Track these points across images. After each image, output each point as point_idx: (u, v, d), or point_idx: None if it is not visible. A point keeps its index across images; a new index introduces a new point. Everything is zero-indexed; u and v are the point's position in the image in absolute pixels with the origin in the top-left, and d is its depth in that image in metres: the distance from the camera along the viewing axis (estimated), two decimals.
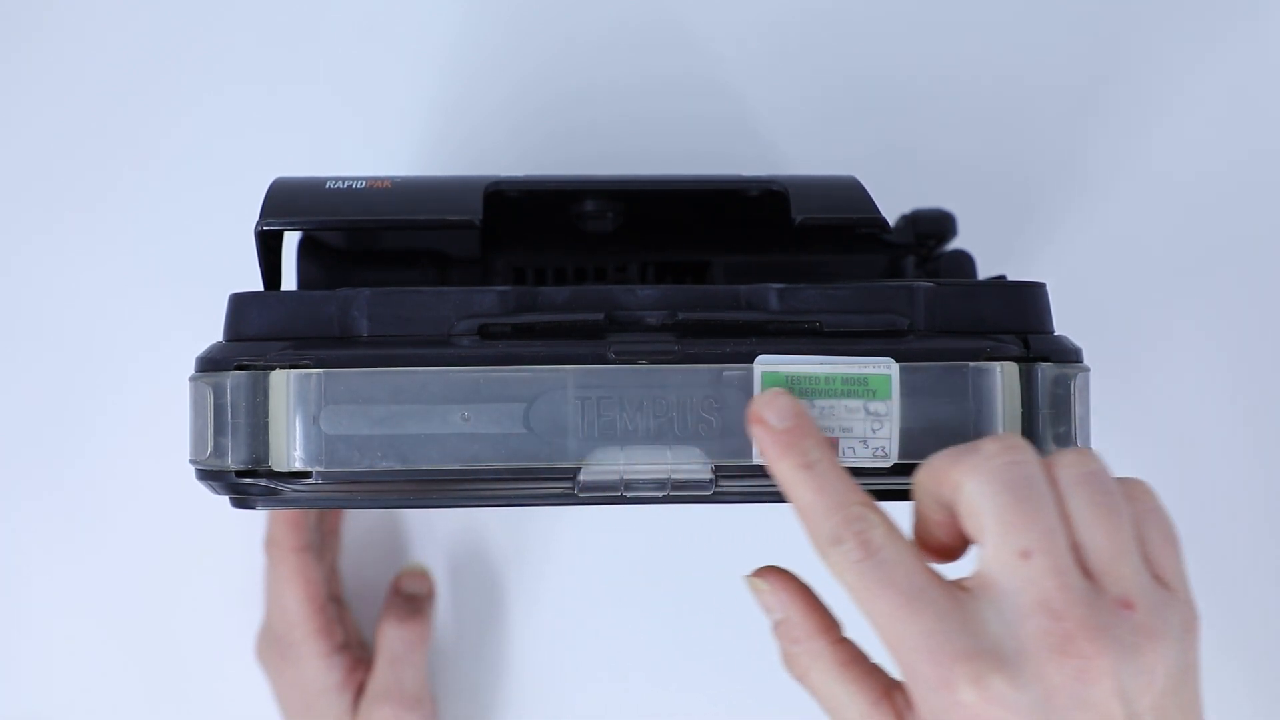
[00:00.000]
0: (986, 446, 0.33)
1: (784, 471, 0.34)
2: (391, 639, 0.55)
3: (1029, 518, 0.32)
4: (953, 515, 0.34)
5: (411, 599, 0.57)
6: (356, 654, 0.55)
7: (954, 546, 0.35)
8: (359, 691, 0.54)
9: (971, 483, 0.33)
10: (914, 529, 0.36)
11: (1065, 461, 0.33)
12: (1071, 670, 0.31)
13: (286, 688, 0.55)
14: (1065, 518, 0.33)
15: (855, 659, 0.36)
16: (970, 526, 0.33)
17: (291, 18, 0.59)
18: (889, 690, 0.35)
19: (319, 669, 0.53)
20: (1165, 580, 0.33)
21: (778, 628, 0.37)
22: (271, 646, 0.55)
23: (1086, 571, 0.32)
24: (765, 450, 0.35)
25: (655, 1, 0.60)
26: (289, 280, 0.49)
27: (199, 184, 0.59)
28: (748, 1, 0.60)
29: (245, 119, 0.59)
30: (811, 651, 0.36)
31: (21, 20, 0.59)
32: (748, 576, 0.38)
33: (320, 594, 0.54)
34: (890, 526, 0.34)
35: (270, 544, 0.54)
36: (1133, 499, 0.34)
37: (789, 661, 0.37)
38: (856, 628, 0.36)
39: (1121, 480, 0.34)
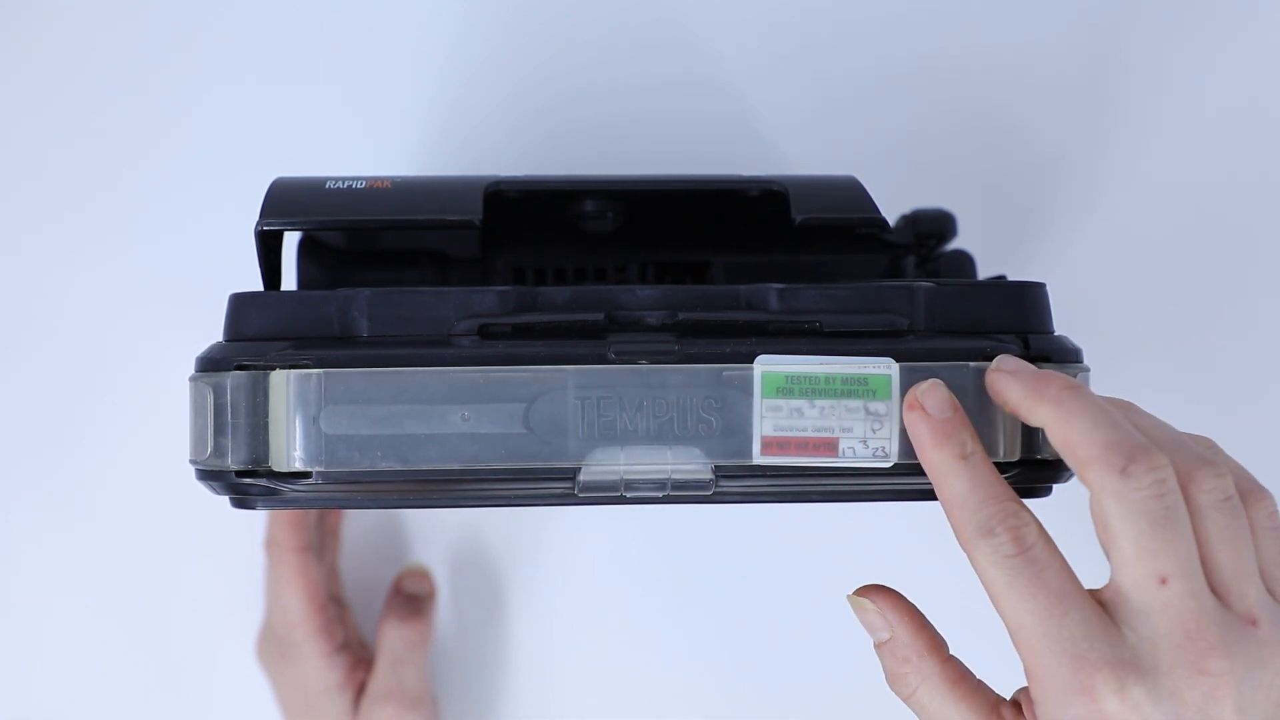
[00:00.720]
0: (1134, 470, 0.32)
1: (940, 461, 0.35)
2: (393, 639, 0.55)
3: (1168, 546, 0.32)
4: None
5: (412, 599, 0.57)
6: (357, 654, 0.55)
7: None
8: (359, 691, 0.54)
9: (1117, 509, 0.33)
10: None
11: (1205, 486, 0.34)
12: (1204, 687, 0.32)
13: (287, 688, 0.55)
14: (1198, 538, 0.33)
15: (963, 676, 0.36)
16: (1103, 536, 0.34)
17: (292, 17, 0.59)
18: (996, 706, 0.35)
19: (320, 669, 0.53)
20: (1274, 593, 0.34)
21: (884, 647, 0.37)
22: (272, 646, 0.55)
23: (1214, 589, 0.33)
24: (921, 438, 0.35)
25: (655, 1, 0.60)
26: (289, 280, 0.49)
27: (199, 184, 0.59)
28: (748, 1, 0.60)
29: (245, 118, 0.59)
30: (921, 671, 0.36)
31: (21, 18, 0.59)
32: (851, 596, 0.38)
33: (320, 594, 0.54)
34: (1041, 527, 0.34)
35: (270, 544, 0.54)
36: (1252, 506, 0.35)
37: (895, 681, 0.37)
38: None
39: (1249, 492, 0.35)
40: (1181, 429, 0.59)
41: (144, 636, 0.59)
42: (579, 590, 0.60)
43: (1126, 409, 0.35)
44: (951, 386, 0.36)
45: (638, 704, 0.60)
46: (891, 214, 0.48)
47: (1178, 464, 0.34)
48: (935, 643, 0.37)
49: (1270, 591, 0.34)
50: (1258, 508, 0.35)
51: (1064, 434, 0.33)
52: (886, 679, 0.37)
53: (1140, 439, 0.33)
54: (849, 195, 0.42)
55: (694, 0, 0.60)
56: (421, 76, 0.59)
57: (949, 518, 0.35)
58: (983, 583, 0.34)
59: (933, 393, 0.35)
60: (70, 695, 0.59)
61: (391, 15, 0.59)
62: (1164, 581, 0.32)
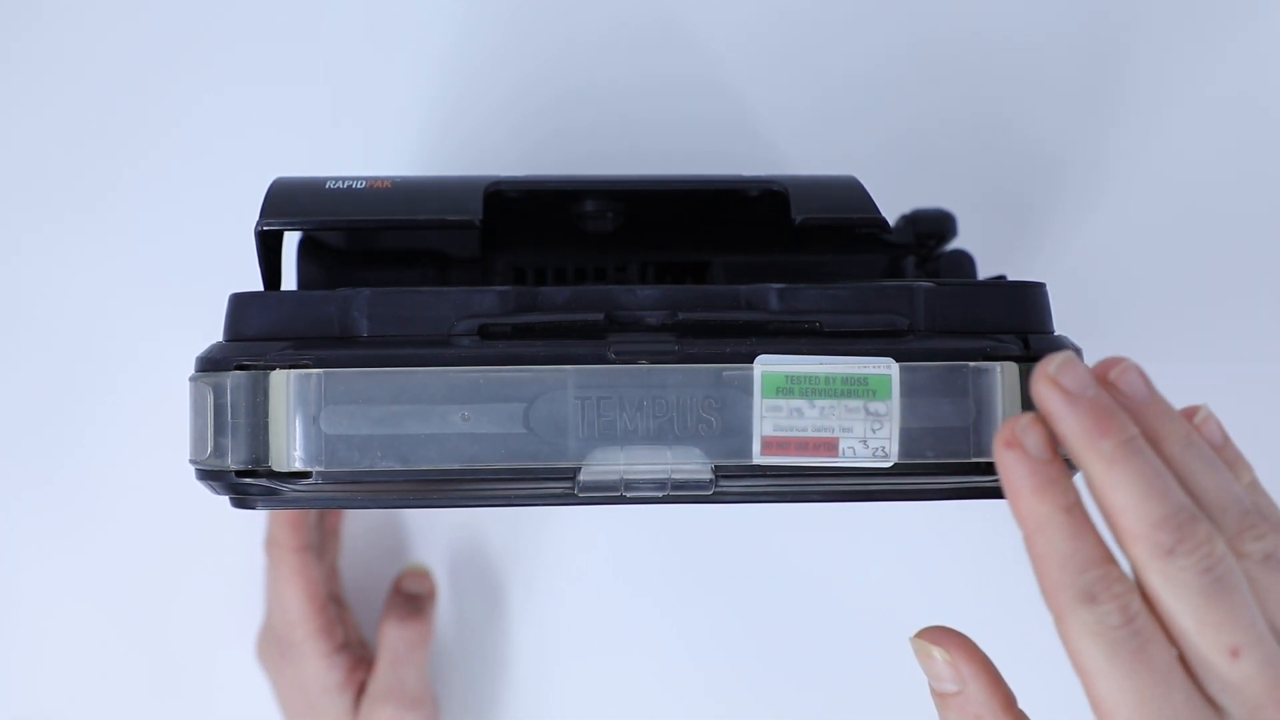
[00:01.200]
0: (1180, 550, 0.30)
1: (1043, 513, 0.31)
2: (393, 639, 0.55)
3: (1230, 616, 0.31)
4: None
5: (413, 599, 0.57)
6: (357, 653, 0.55)
7: None
8: (360, 691, 0.54)
9: (1166, 587, 0.31)
10: None
11: (1246, 550, 0.32)
12: None
13: (287, 688, 0.55)
14: (1256, 595, 0.32)
15: None
16: (1158, 612, 0.32)
17: (292, 17, 0.59)
18: None
19: (320, 669, 0.54)
20: None
21: (950, 699, 0.34)
22: (272, 646, 0.55)
23: None
24: (1019, 484, 0.32)
25: (655, 1, 0.60)
26: (289, 280, 0.49)
27: (199, 184, 0.59)
28: (748, 1, 0.60)
29: (245, 119, 0.59)
30: None
31: (21, 19, 0.59)
32: (916, 639, 0.35)
33: (321, 594, 0.54)
34: (1141, 596, 0.31)
35: (270, 544, 0.54)
36: None
37: None
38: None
39: None
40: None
41: (144, 636, 0.59)
42: (579, 590, 0.60)
43: (1185, 444, 0.33)
44: (950, 387, 0.36)
45: (637, 704, 0.60)
46: (891, 214, 0.48)
47: (1224, 526, 0.32)
48: (1008, 700, 0.34)
49: None
50: None
51: (1110, 500, 0.31)
52: None
53: (1188, 510, 0.31)
54: (849, 195, 0.42)
55: (694, 0, 0.60)
56: (421, 76, 0.59)
57: (1040, 575, 0.31)
58: (1070, 651, 0.31)
59: (1033, 431, 0.32)
60: (70, 695, 0.59)
61: (391, 16, 0.59)
62: (1236, 654, 0.31)
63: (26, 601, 0.59)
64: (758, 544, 0.60)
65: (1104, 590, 0.31)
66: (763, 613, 0.60)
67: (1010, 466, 0.32)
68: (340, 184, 0.42)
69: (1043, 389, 0.32)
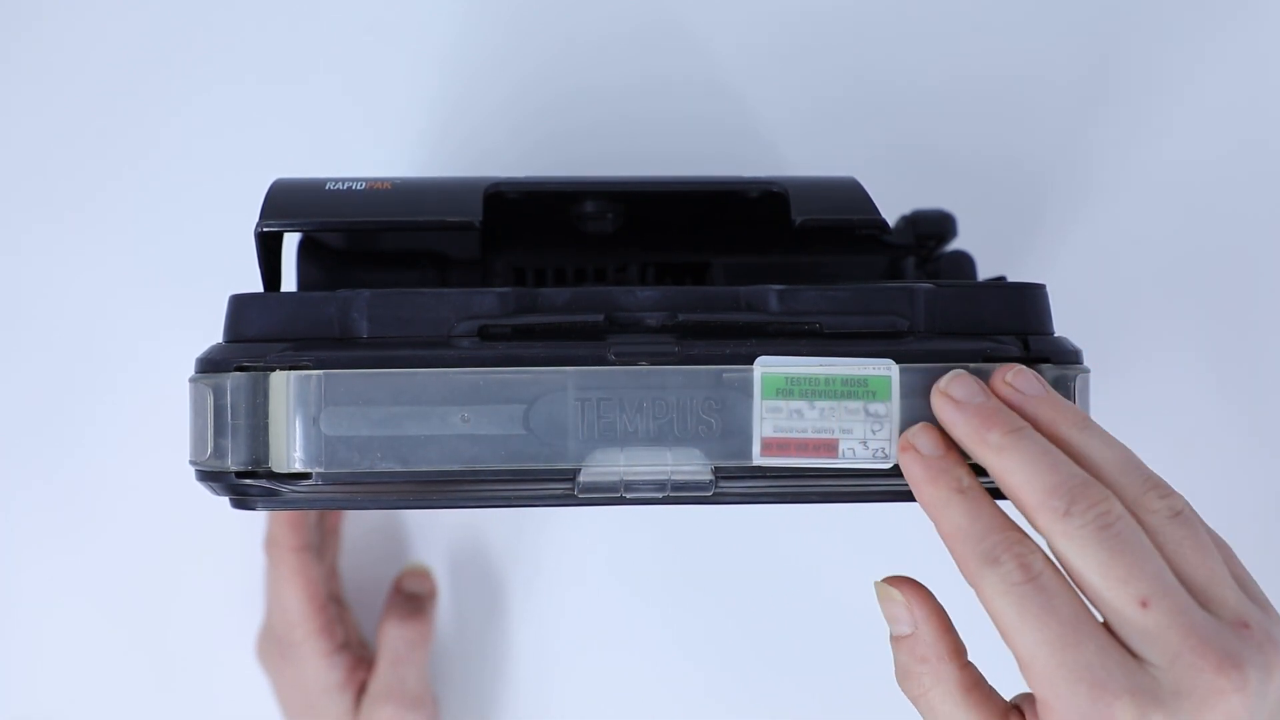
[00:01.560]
0: (1075, 509, 0.33)
1: (936, 496, 0.34)
2: (393, 638, 0.55)
3: (1134, 568, 0.32)
4: None
5: (413, 598, 0.57)
6: (357, 653, 0.55)
7: None
8: (360, 691, 0.54)
9: (1070, 548, 0.33)
10: None
11: (1152, 506, 0.34)
12: (1223, 707, 0.31)
13: (287, 688, 0.55)
14: (1164, 556, 0.33)
15: (978, 683, 0.36)
16: (1072, 578, 0.33)
17: (292, 17, 0.59)
18: (1006, 715, 0.35)
19: (320, 668, 0.54)
20: (1252, 594, 0.34)
21: (903, 641, 0.36)
22: (272, 646, 0.55)
23: (1197, 600, 0.33)
24: (916, 477, 0.35)
25: (655, 1, 0.60)
26: (289, 281, 0.49)
27: (199, 184, 0.59)
28: (748, 2, 0.60)
29: (245, 119, 0.59)
30: (938, 673, 0.35)
31: (20, 18, 0.59)
32: (880, 583, 0.37)
33: (320, 593, 0.54)
34: (1046, 554, 0.33)
35: (270, 544, 0.54)
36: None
37: (907, 678, 0.36)
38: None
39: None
40: (1181, 429, 0.59)
41: (144, 636, 0.59)
42: (579, 590, 0.60)
43: (1080, 427, 0.35)
44: None
45: (637, 704, 0.60)
46: (891, 215, 0.48)
47: (1125, 490, 0.34)
48: (957, 647, 0.36)
49: (1245, 591, 0.34)
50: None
51: (1007, 484, 0.34)
52: (897, 674, 0.37)
53: (1079, 476, 0.33)
54: (849, 196, 0.42)
55: (694, 1, 0.60)
56: (421, 76, 0.59)
57: (952, 552, 0.34)
58: (991, 614, 0.33)
59: (923, 434, 0.35)
60: (70, 695, 0.59)
61: (391, 15, 0.59)
62: (1145, 604, 0.32)
63: (26, 601, 0.59)
64: (757, 545, 0.60)
65: (1004, 551, 0.33)
66: (762, 613, 0.60)
67: (908, 465, 0.35)
68: (340, 185, 0.42)
69: (937, 401, 0.36)
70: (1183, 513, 0.34)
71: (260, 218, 0.40)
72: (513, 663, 0.60)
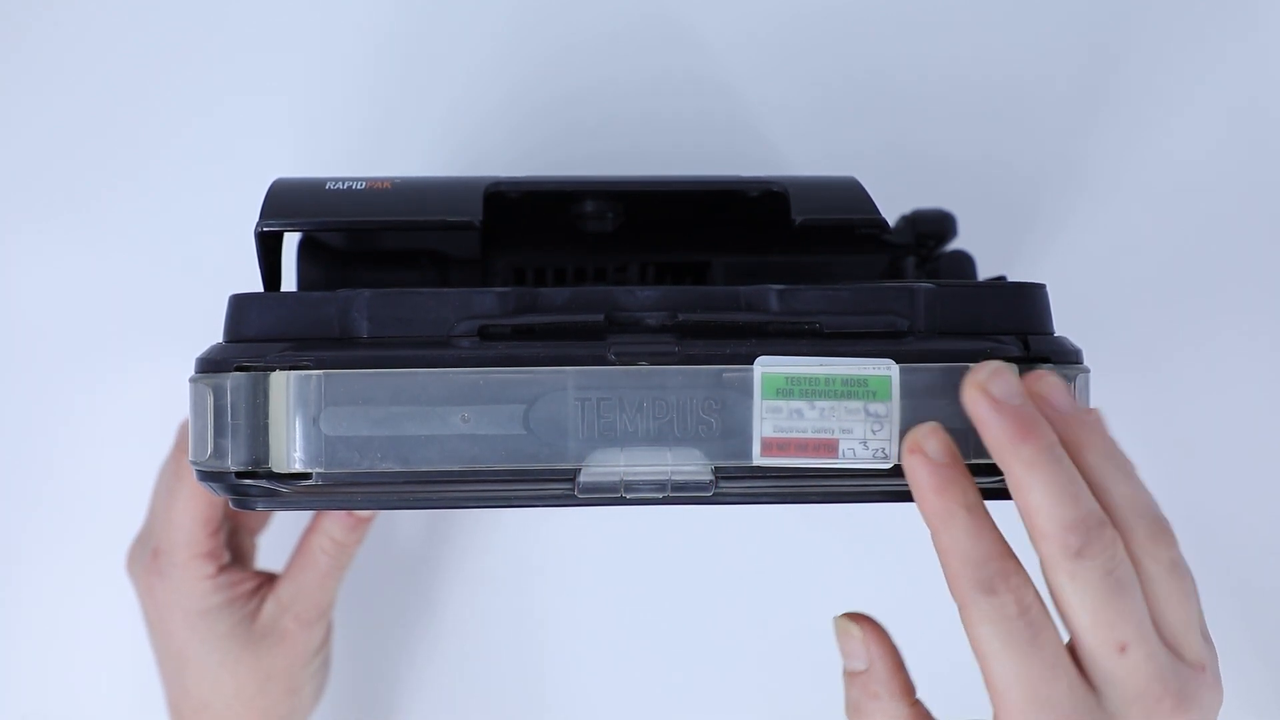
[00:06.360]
0: (1087, 552, 0.33)
1: (943, 508, 0.34)
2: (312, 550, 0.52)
3: (1123, 616, 0.33)
4: None
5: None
6: (244, 569, 0.52)
7: None
8: (251, 602, 0.51)
9: (1070, 585, 0.34)
10: None
11: (1158, 556, 0.34)
12: None
13: (159, 606, 0.51)
14: (1148, 599, 0.34)
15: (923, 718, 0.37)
16: (1058, 604, 0.34)
17: (292, 18, 0.59)
18: None
19: (204, 590, 0.50)
20: (1205, 634, 0.36)
21: (857, 677, 0.38)
22: (148, 558, 0.51)
23: (1166, 643, 0.35)
24: (922, 483, 0.34)
25: (655, 1, 0.60)
26: (289, 281, 0.49)
27: (198, 184, 0.59)
28: (748, 1, 0.60)
29: (245, 119, 0.59)
30: (888, 710, 0.37)
31: (22, 21, 0.59)
32: (838, 618, 0.38)
33: (216, 516, 0.50)
34: (1036, 588, 0.34)
35: (180, 451, 0.51)
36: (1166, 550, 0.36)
37: (858, 713, 0.37)
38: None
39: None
40: (1181, 429, 0.59)
41: (144, 636, 0.59)
42: (578, 590, 0.60)
43: (1106, 456, 0.35)
44: (950, 388, 0.36)
45: (637, 704, 0.60)
46: (891, 214, 0.48)
47: (1134, 533, 0.34)
48: (907, 685, 0.37)
49: (1203, 634, 0.36)
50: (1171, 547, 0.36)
51: (1026, 500, 0.33)
52: (847, 708, 0.38)
53: (1096, 516, 0.33)
54: (849, 196, 0.42)
55: (694, 0, 0.60)
56: (421, 76, 0.59)
57: (946, 567, 0.34)
58: (971, 637, 0.34)
59: (933, 437, 0.35)
60: (70, 695, 0.59)
61: (391, 16, 0.59)
62: (1123, 649, 0.33)
63: (26, 601, 0.59)
64: (757, 545, 0.60)
65: (1002, 583, 0.33)
66: (762, 613, 0.60)
67: (914, 469, 0.34)
68: (340, 185, 0.42)
69: (971, 395, 0.34)
70: (1179, 564, 0.35)
71: (260, 217, 0.40)
72: (512, 663, 0.60)
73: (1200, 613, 0.36)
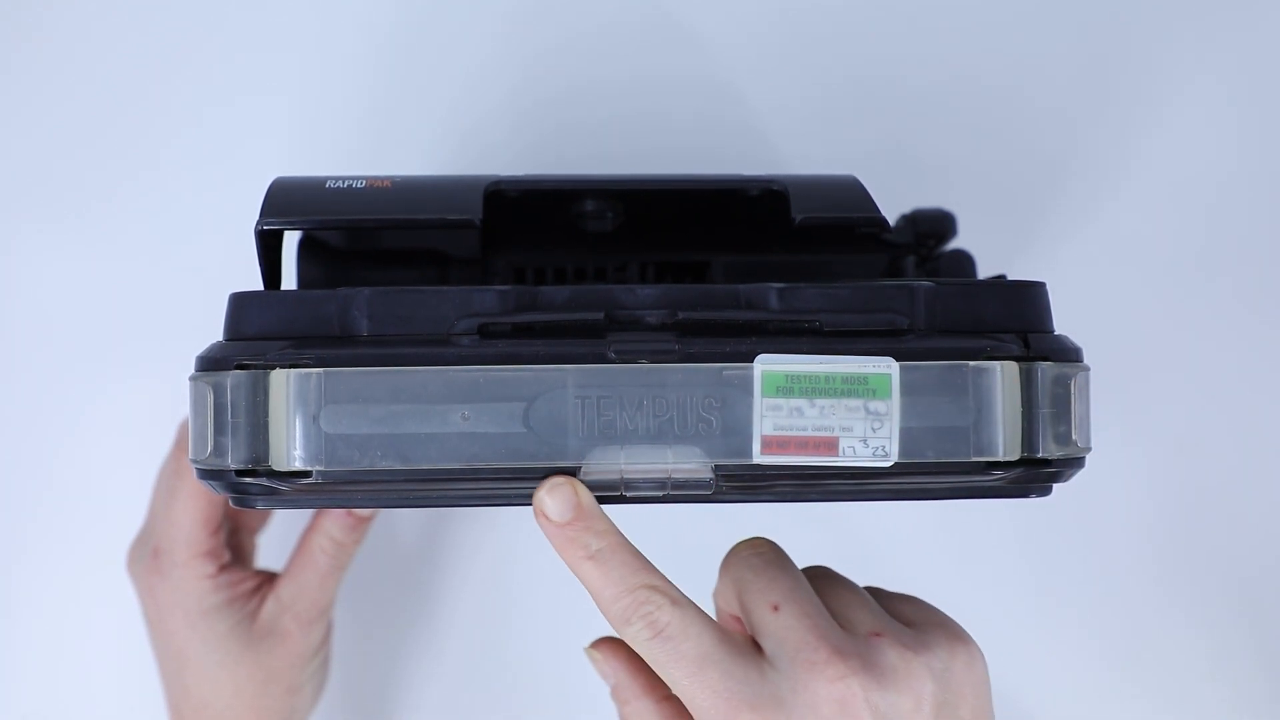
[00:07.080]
0: (735, 548, 0.39)
1: (570, 561, 0.37)
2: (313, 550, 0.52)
3: (773, 582, 0.38)
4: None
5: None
6: (245, 569, 0.52)
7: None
8: (252, 602, 0.52)
9: (725, 577, 0.39)
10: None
11: (813, 573, 0.40)
12: (834, 695, 0.35)
13: (159, 607, 0.51)
14: (809, 588, 0.38)
15: (679, 713, 0.40)
16: (739, 610, 0.39)
17: (293, 17, 0.59)
18: None
19: (204, 590, 0.50)
20: (910, 622, 0.38)
21: (613, 692, 0.42)
22: (149, 558, 0.51)
23: (833, 615, 0.38)
24: (549, 539, 0.37)
25: (655, 1, 0.60)
26: (289, 280, 0.49)
27: (199, 183, 0.59)
28: (748, 1, 0.60)
29: (245, 118, 0.59)
30: (640, 710, 0.41)
31: (23, 20, 0.59)
32: (587, 649, 0.43)
33: (217, 516, 0.50)
34: (676, 600, 0.37)
35: (181, 450, 0.51)
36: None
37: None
38: None
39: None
40: (1181, 428, 0.59)
41: (144, 636, 0.59)
42: (578, 590, 0.60)
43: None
44: (950, 386, 0.36)
45: None
46: (891, 214, 0.48)
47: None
48: (652, 683, 0.41)
49: (898, 619, 0.38)
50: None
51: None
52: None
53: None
54: (849, 194, 0.42)
55: (694, 0, 0.60)
56: (421, 76, 0.59)
57: (596, 604, 0.38)
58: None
59: (554, 496, 0.36)
60: (71, 695, 0.59)
61: (391, 16, 0.60)
62: (776, 609, 0.37)
63: (26, 601, 0.59)
64: None
65: (633, 613, 0.37)
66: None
67: (543, 528, 0.37)
68: (340, 183, 0.42)
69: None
70: (827, 569, 0.41)
71: (260, 216, 0.40)
72: (512, 663, 0.60)
73: (867, 596, 0.39)
